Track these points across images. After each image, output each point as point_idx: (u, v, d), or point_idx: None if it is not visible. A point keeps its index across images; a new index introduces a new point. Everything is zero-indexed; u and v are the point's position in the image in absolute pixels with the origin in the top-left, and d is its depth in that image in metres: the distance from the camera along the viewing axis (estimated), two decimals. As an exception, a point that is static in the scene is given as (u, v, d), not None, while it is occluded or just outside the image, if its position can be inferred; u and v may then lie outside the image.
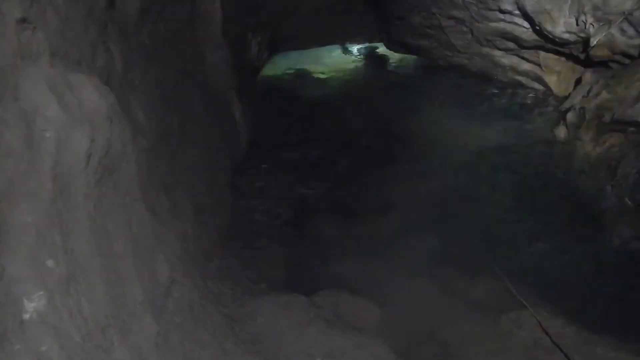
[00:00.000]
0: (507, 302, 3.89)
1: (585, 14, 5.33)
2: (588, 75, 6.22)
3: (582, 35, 5.56)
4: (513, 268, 4.27)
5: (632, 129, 5.28)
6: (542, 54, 6.64)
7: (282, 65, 9.59)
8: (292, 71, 9.52)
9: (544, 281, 4.17)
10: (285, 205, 5.51)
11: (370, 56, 10.19)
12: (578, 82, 6.45)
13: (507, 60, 7.18)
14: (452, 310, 3.80)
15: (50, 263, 1.69)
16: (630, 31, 5.22)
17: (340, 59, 10.07)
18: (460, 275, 4.20)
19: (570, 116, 6.11)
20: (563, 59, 6.51)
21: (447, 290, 4.00)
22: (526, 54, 6.82)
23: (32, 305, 1.58)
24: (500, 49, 7.04)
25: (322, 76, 9.24)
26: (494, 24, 6.51)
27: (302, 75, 9.27)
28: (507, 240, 4.70)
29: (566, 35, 5.71)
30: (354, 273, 4.25)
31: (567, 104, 6.36)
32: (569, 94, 6.54)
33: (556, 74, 6.76)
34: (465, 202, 5.25)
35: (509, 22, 6.33)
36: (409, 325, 3.67)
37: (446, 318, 3.72)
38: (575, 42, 5.80)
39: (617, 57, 5.63)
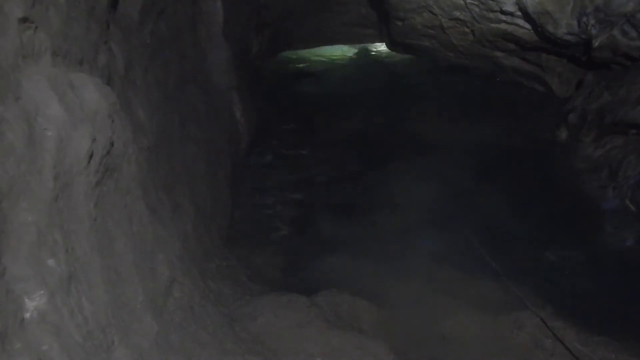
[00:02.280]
0: (507, 303, 3.89)
1: (587, 16, 5.32)
2: (590, 77, 6.21)
3: (584, 36, 5.54)
4: (513, 269, 4.27)
5: (633, 130, 5.28)
6: (543, 55, 6.63)
7: (283, 64, 9.59)
8: (293, 71, 9.52)
9: (544, 282, 4.17)
10: (286, 205, 5.51)
11: (370, 56, 10.20)
12: (579, 83, 6.44)
13: (509, 61, 7.16)
14: (452, 310, 3.80)
15: (51, 262, 1.69)
16: (633, 33, 5.20)
17: (341, 59, 10.07)
18: (460, 275, 4.21)
19: (571, 118, 6.11)
20: (564, 60, 6.50)
21: (447, 290, 4.00)
22: (528, 55, 6.81)
23: (33, 304, 1.58)
24: (501, 50, 7.02)
25: (323, 76, 9.24)
26: (495, 25, 6.50)
27: (304, 75, 9.27)
28: (508, 241, 4.70)
29: (568, 37, 5.70)
30: (355, 273, 4.25)
31: (568, 106, 6.36)
32: (570, 96, 6.53)
33: (557, 76, 6.75)
34: (466, 203, 5.25)
35: (511, 24, 6.32)
36: (409, 326, 3.67)
37: (446, 318, 3.72)
38: (577, 44, 5.79)
39: (619, 59, 5.62)
